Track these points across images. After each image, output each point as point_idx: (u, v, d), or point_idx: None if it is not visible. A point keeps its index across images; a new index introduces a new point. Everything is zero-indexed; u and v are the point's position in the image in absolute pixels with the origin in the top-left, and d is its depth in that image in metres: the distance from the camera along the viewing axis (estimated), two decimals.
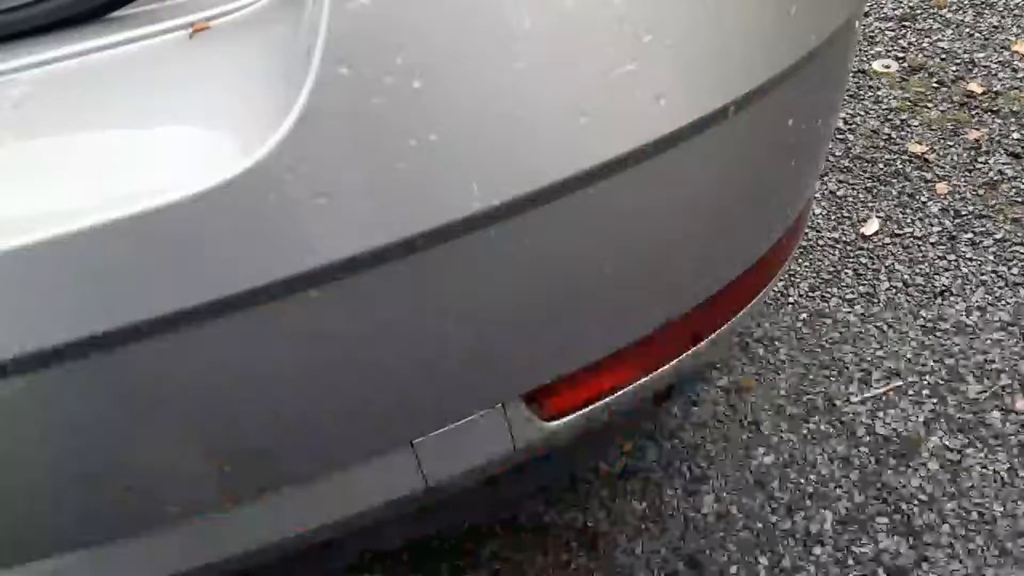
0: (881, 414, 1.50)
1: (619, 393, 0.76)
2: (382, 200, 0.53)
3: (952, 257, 1.74)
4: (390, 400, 0.63)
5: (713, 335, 0.79)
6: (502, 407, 0.70)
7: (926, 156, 1.95)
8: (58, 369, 0.51)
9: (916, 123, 2.04)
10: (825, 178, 1.95)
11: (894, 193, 1.89)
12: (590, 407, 0.75)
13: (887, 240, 1.80)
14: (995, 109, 2.04)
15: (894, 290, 1.70)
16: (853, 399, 1.53)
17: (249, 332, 0.54)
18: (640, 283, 0.66)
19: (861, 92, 2.15)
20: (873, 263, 1.76)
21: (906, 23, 2.32)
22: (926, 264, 1.74)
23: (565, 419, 0.74)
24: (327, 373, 0.58)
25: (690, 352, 0.77)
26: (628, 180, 0.59)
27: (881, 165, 1.95)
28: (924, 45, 2.24)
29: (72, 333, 0.50)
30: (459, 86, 0.52)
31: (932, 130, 2.02)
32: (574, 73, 0.54)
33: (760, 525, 1.38)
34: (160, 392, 0.56)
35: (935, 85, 2.13)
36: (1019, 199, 1.83)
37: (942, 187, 1.88)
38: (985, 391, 1.51)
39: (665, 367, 0.77)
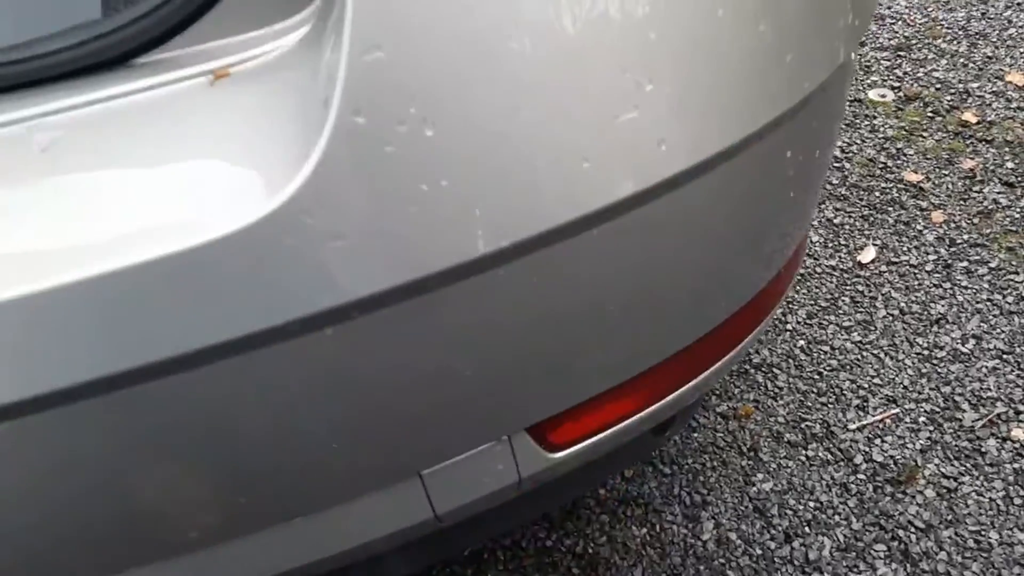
0: (878, 441, 1.52)
1: (621, 425, 0.77)
2: (395, 242, 0.55)
3: (948, 285, 1.76)
4: (400, 433, 0.64)
5: (714, 367, 0.81)
6: (508, 439, 0.72)
7: (921, 185, 1.98)
8: (82, 405, 0.52)
9: (912, 152, 2.07)
10: (822, 206, 1.97)
11: (890, 221, 1.91)
12: (593, 438, 0.77)
13: (883, 268, 1.82)
14: (989, 139, 2.07)
15: (890, 318, 1.72)
16: (851, 426, 1.54)
17: (266, 368, 0.56)
18: (642, 320, 0.68)
19: (858, 121, 2.18)
20: (870, 291, 1.78)
21: (902, 53, 2.35)
22: (922, 292, 1.76)
23: (569, 450, 0.76)
24: (340, 408, 0.60)
25: (691, 384, 0.79)
26: (631, 222, 0.61)
27: (877, 193, 1.98)
28: (919, 75, 2.28)
29: (97, 371, 0.52)
30: (468, 134, 0.54)
31: (927, 159, 2.05)
32: (578, 121, 0.57)
33: (759, 551, 1.39)
34: (179, 427, 0.57)
35: (930, 114, 2.16)
36: (1013, 228, 1.86)
37: (937, 215, 1.91)
38: (981, 419, 1.53)
39: (666, 399, 0.79)
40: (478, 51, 0.53)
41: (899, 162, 2.05)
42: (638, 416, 0.77)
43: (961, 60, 2.30)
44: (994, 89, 2.20)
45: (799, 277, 1.82)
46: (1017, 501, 1.41)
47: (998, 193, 1.94)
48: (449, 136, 0.54)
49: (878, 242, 1.87)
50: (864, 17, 0.76)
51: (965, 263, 1.80)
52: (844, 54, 0.74)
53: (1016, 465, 1.46)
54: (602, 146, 0.58)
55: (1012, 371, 1.60)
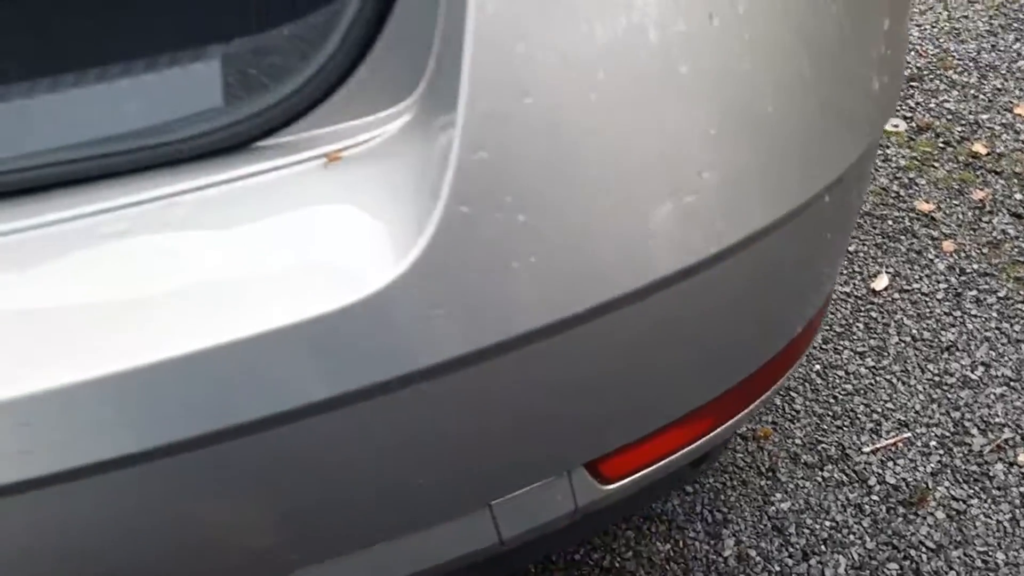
0: (891, 464, 1.60)
1: (665, 460, 0.86)
2: (486, 310, 0.63)
3: (958, 313, 1.84)
4: (480, 470, 0.73)
5: (751, 406, 0.89)
6: (568, 474, 0.80)
7: (933, 214, 2.06)
8: (235, 443, 0.61)
9: (923, 182, 2.15)
10: None
11: (903, 250, 1.99)
12: (640, 473, 0.85)
13: (896, 295, 1.90)
14: (999, 170, 2.15)
15: (903, 344, 1.80)
16: (865, 449, 1.62)
17: (372, 416, 0.65)
18: (691, 370, 0.77)
19: None
20: (883, 317, 1.86)
21: (914, 84, 2.43)
22: (933, 320, 1.84)
23: (619, 483, 0.85)
24: (433, 450, 0.68)
25: (730, 423, 0.88)
26: (688, 287, 0.70)
27: (890, 222, 2.06)
28: (931, 106, 2.36)
29: (231, 420, 0.61)
30: (552, 220, 0.63)
31: (939, 189, 2.13)
32: (644, 207, 0.65)
33: (778, 568, 1.47)
34: (289, 467, 0.66)
35: (941, 145, 2.24)
36: (1021, 259, 1.94)
37: (948, 245, 1.99)
38: (989, 444, 1.61)
39: (706, 437, 0.87)
40: (561, 154, 0.61)
41: (911, 191, 2.13)
42: (681, 452, 0.86)
43: (972, 91, 2.38)
44: (1003, 121, 2.28)
45: None
46: (1023, 523, 1.49)
47: (1007, 224, 2.02)
48: (538, 221, 0.62)
49: (891, 270, 1.95)
50: (896, 83, 0.83)
51: (975, 292, 1.88)
52: (881, 123, 0.82)
53: (1022, 489, 1.54)
54: (665, 225, 0.67)
55: (1019, 398, 1.68)
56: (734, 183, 0.68)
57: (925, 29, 2.60)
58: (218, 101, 0.70)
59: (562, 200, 0.63)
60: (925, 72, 2.47)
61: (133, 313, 0.60)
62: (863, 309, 1.88)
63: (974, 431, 1.63)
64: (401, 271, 0.60)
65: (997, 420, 1.64)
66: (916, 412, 1.68)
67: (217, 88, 0.71)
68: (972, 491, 1.54)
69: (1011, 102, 2.34)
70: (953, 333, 1.81)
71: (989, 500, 1.52)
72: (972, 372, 1.73)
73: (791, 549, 1.49)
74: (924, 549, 1.47)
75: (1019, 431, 1.62)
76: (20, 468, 0.61)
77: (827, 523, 1.52)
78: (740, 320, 0.77)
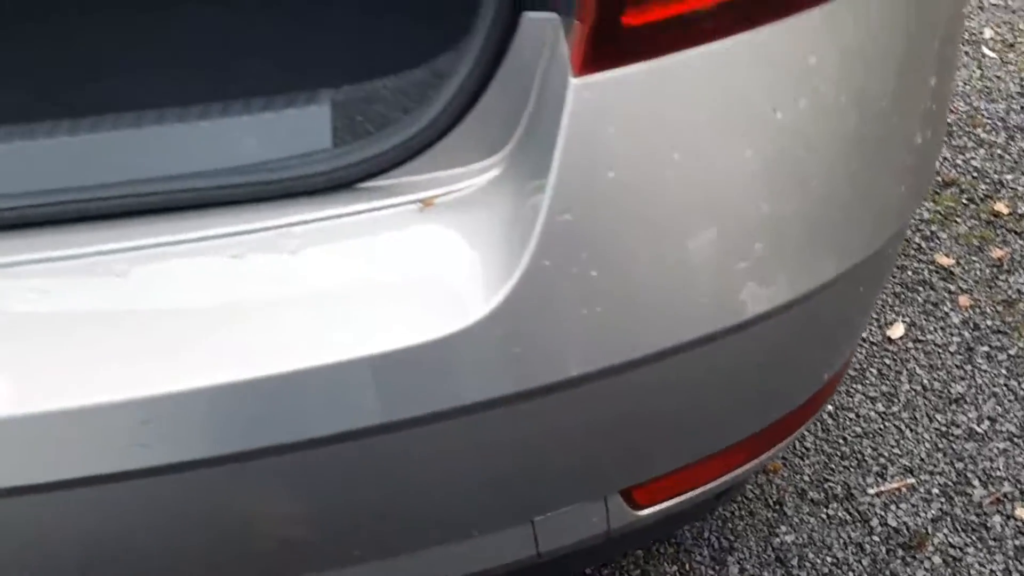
0: (894, 507, 1.67)
1: (694, 492, 0.94)
2: (556, 352, 0.72)
3: (968, 367, 1.91)
4: (532, 488, 0.81)
5: (779, 445, 0.98)
6: (605, 498, 0.89)
7: (952, 269, 2.13)
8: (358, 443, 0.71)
9: (945, 236, 2.22)
10: None
11: (920, 300, 2.07)
12: (670, 502, 0.94)
13: (910, 344, 1.98)
14: (1019, 231, 2.22)
15: (913, 392, 1.87)
16: (869, 490, 1.70)
17: (448, 436, 0.73)
18: (731, 412, 0.85)
19: None
20: (896, 365, 1.93)
21: (943, 139, 2.51)
22: (944, 371, 1.91)
23: (650, 509, 0.93)
24: (496, 469, 0.77)
25: (758, 460, 0.96)
26: (733, 341, 0.78)
27: (910, 272, 2.14)
28: (958, 162, 2.43)
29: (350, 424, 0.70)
30: (621, 274, 0.71)
31: (959, 244, 2.20)
32: (706, 267, 0.73)
33: None
34: (371, 474, 0.75)
35: (965, 201, 2.31)
36: None
37: (964, 300, 2.06)
38: (989, 496, 1.68)
39: (733, 473, 0.95)
40: (633, 221, 0.70)
41: (932, 244, 2.20)
42: (712, 485, 0.94)
43: (998, 151, 2.46)
44: None
45: None
46: (1015, 575, 1.56)
47: (1022, 284, 2.09)
48: (607, 276, 0.71)
49: (907, 319, 2.03)
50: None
51: (987, 348, 1.95)
52: (930, 177, 0.90)
53: (1018, 542, 1.61)
54: (724, 283, 0.75)
55: (1021, 453, 1.75)
56: (783, 251, 0.77)
57: (957, 86, 2.68)
58: (327, 143, 0.79)
59: (629, 261, 0.71)
60: (954, 128, 2.54)
61: (253, 327, 0.69)
62: (878, 355, 1.95)
63: (976, 482, 1.70)
64: (488, 311, 0.69)
65: (998, 473, 1.72)
66: (921, 459, 1.75)
67: (327, 130, 0.80)
68: (969, 540, 1.61)
69: None
70: (963, 386, 1.88)
71: (985, 550, 1.60)
72: (978, 425, 1.80)
73: None
74: None
75: (1019, 486, 1.69)
76: (138, 458, 0.70)
77: (828, 559, 1.60)
78: (782, 367, 0.85)
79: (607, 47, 0.63)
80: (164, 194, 0.72)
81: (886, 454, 1.76)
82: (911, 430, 1.80)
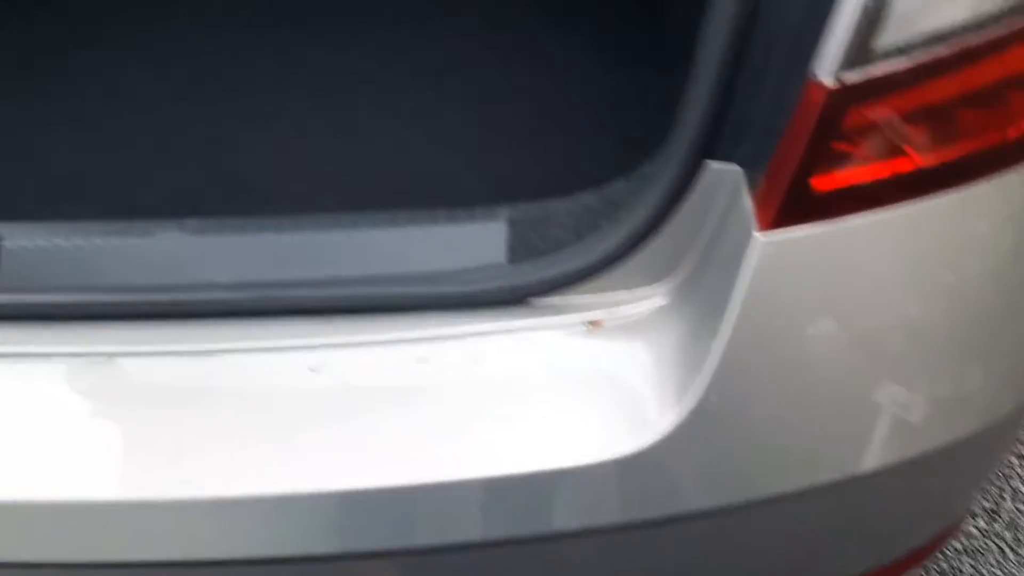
0: None
1: None
2: (713, 479, 0.77)
3: None
4: None
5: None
6: None
7: None
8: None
9: None
10: None
11: None
12: None
13: (1013, 459, 1.94)
14: None
15: (1017, 512, 1.83)
16: None
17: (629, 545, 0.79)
18: (870, 542, 0.89)
19: None
20: (999, 481, 1.89)
21: None
22: None
23: None
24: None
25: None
26: (879, 480, 0.81)
27: None
28: None
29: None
30: (777, 419, 0.76)
31: None
32: (851, 420, 0.78)
33: None
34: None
35: None
36: None
37: None
38: None
39: None
40: (794, 372, 0.75)
41: None
42: None
43: None
44: None
45: None
46: None
47: None
48: (767, 416, 0.75)
49: None
50: None
51: None
52: None
53: None
54: (860, 433, 0.79)
55: None
56: (938, 400, 0.80)
57: None
58: (502, 258, 0.85)
59: (786, 405, 0.76)
60: None
61: (435, 431, 0.75)
62: None
63: None
64: (649, 443, 0.73)
65: None
66: None
67: (502, 246, 0.86)
68: None
69: None
70: None
71: None
72: None
73: None
74: None
75: None
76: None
77: None
78: (918, 505, 0.88)
79: (795, 208, 0.68)
80: (362, 298, 0.79)
81: (985, 573, 1.72)
82: (1013, 551, 1.76)
